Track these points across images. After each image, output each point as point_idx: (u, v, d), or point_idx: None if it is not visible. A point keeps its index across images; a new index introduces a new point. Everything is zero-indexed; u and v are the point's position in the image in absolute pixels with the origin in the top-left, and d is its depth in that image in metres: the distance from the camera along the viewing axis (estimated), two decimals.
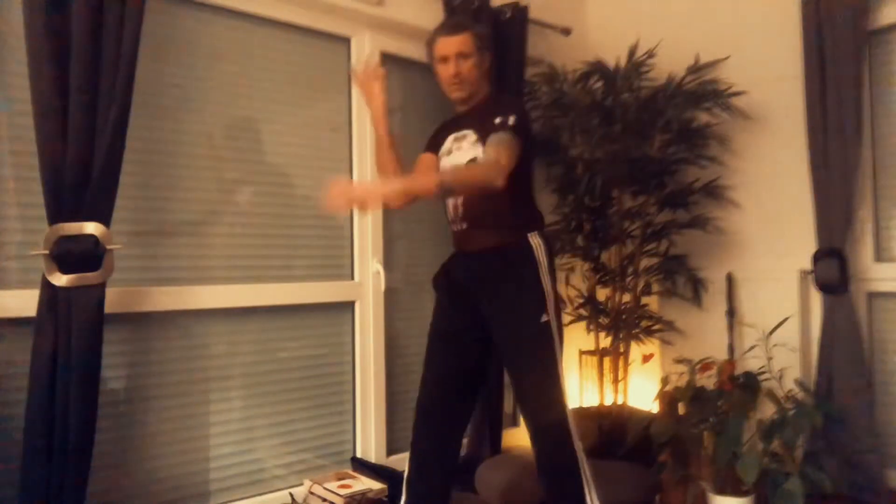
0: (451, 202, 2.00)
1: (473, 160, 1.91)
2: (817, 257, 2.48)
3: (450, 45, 1.94)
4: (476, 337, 1.98)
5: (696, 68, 2.72)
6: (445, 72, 1.97)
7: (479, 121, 1.94)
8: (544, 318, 1.86)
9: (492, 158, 1.76)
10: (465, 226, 1.97)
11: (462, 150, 1.97)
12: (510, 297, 1.89)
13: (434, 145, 2.09)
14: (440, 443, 2.00)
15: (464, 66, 1.93)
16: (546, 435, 1.88)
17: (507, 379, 2.90)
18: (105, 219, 1.80)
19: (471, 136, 1.95)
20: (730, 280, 2.82)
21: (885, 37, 2.49)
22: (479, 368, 2.04)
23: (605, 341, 2.91)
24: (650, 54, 2.75)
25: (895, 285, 2.47)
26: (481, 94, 2.01)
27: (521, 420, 3.01)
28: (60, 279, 1.73)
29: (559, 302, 1.97)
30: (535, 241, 1.91)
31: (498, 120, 1.83)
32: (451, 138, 2.02)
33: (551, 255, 1.94)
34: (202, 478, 2.20)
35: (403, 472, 2.05)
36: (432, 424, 2.00)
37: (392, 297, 2.69)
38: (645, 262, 2.88)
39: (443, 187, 1.77)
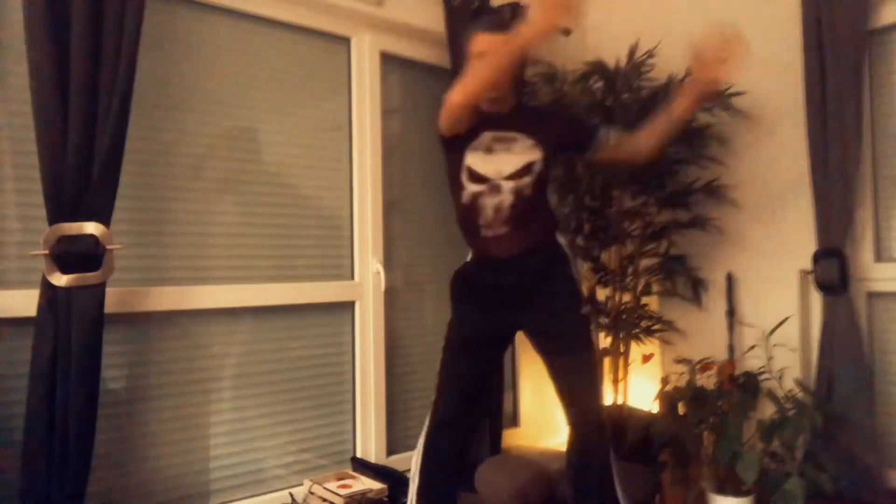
0: (490, 203, 1.89)
1: (531, 164, 1.89)
2: (817, 257, 2.48)
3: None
4: (501, 343, 2.02)
5: None
6: None
7: (528, 125, 1.93)
8: (585, 310, 1.98)
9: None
10: (504, 230, 1.89)
11: (512, 153, 1.90)
12: (560, 293, 1.95)
13: (466, 136, 1.94)
14: (459, 452, 2.00)
15: None
16: (598, 429, 1.94)
17: (506, 379, 2.91)
18: (105, 219, 1.80)
19: (523, 140, 1.91)
20: (730, 280, 2.82)
21: (885, 37, 2.49)
22: (492, 374, 2.07)
23: (605, 341, 2.91)
24: (650, 54, 2.75)
25: (895, 285, 2.47)
26: (515, 98, 1.97)
27: (520, 420, 3.03)
28: (60, 279, 1.73)
29: None
30: (561, 239, 2.00)
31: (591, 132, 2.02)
32: (489, 136, 1.91)
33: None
34: (202, 478, 2.20)
35: (404, 472, 2.04)
36: (454, 435, 1.99)
37: (392, 297, 2.69)
38: (645, 262, 2.88)
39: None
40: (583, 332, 1.96)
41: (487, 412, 2.71)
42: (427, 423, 2.02)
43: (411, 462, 2.03)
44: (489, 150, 1.91)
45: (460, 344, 1.98)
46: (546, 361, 1.97)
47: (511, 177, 1.89)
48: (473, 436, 2.07)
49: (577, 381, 1.94)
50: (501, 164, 1.90)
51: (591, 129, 2.06)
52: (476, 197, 1.90)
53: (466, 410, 2.00)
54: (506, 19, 1.99)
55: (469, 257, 2.02)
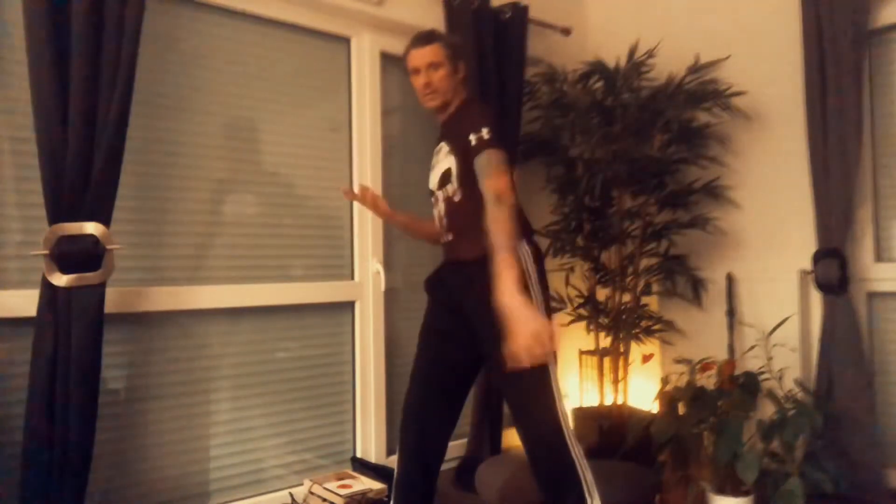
0: (435, 213, 2.01)
1: (448, 171, 1.92)
2: (817, 257, 2.48)
3: (419, 56, 1.95)
4: (466, 340, 1.97)
5: (696, 68, 2.72)
6: (417, 83, 1.97)
7: (450, 131, 1.95)
8: None
9: (491, 193, 1.73)
10: (451, 237, 1.97)
11: (440, 163, 1.98)
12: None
13: None
14: (427, 443, 2.00)
15: (434, 76, 1.93)
16: (539, 445, 1.87)
17: None
18: (105, 219, 1.80)
19: (444, 148, 1.96)
20: (730, 280, 2.82)
21: (885, 37, 2.49)
22: (468, 371, 2.03)
23: (605, 341, 2.91)
24: (650, 54, 2.75)
25: (895, 285, 2.47)
26: (456, 103, 1.99)
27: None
28: (60, 279, 1.73)
29: (550, 310, 1.95)
30: (522, 249, 1.86)
31: (473, 138, 1.79)
32: (435, 151, 2.04)
33: (541, 263, 1.91)
34: (202, 478, 2.20)
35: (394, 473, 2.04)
36: (420, 424, 2.00)
37: (392, 297, 2.69)
38: (645, 262, 2.88)
39: (514, 260, 1.67)
40: None
41: (486, 412, 2.71)
42: None
43: None
44: (433, 164, 2.03)
45: (421, 335, 2.05)
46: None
47: (438, 186, 1.97)
48: (447, 435, 2.02)
49: (512, 403, 1.90)
50: (434, 174, 2.00)
51: (470, 142, 1.81)
52: (432, 208, 2.04)
53: (430, 405, 1.98)
54: (436, 35, 1.99)
55: None
